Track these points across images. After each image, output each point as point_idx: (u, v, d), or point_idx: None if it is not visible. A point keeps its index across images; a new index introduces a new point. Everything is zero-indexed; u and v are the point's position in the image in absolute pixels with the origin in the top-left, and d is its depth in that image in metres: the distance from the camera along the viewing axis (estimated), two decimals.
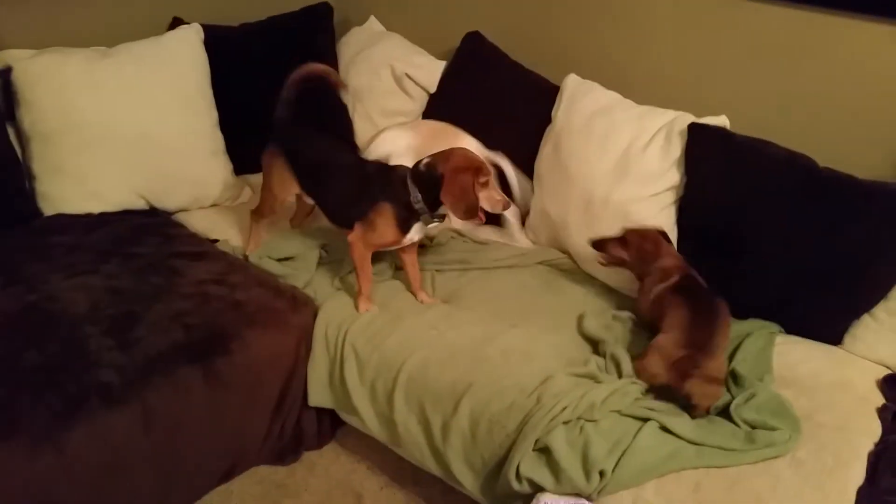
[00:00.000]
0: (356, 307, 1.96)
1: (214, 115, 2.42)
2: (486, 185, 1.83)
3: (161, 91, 2.28)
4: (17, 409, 1.52)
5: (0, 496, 1.44)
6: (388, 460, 2.05)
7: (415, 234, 1.92)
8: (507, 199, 1.88)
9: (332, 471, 2.06)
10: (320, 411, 2.05)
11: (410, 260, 2.02)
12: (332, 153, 2.03)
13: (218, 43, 2.46)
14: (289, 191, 2.08)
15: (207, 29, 2.45)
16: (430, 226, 1.92)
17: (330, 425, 2.12)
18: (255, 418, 1.90)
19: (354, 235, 1.91)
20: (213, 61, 2.43)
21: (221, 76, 2.46)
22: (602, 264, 1.99)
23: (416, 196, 1.83)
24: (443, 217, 1.91)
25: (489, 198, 1.84)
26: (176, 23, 2.51)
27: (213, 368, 1.75)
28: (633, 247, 1.91)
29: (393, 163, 2.08)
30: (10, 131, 2.19)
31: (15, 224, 2.15)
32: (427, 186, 1.81)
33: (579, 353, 1.83)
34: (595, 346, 1.87)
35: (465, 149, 1.89)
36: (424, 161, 1.84)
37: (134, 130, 2.24)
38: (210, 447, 1.82)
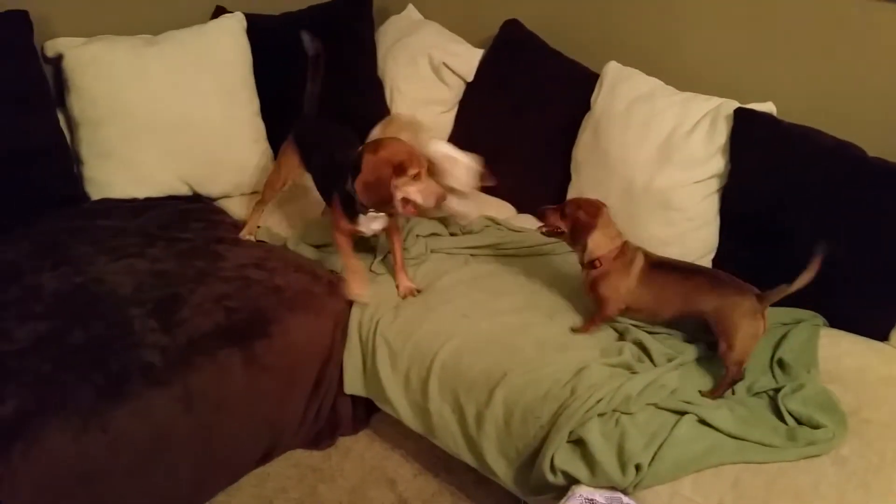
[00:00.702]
0: (347, 292, 1.90)
1: (256, 103, 2.43)
2: (417, 177, 1.74)
3: (204, 79, 2.29)
4: (63, 388, 1.54)
5: (46, 472, 1.46)
6: (422, 448, 2.03)
7: (366, 224, 1.84)
8: (444, 191, 1.79)
9: (366, 457, 2.06)
10: (356, 398, 2.04)
11: (391, 242, 1.96)
12: (336, 144, 1.96)
13: (259, 32, 2.46)
14: (295, 172, 2.09)
15: (249, 18, 2.45)
16: (371, 217, 1.83)
17: (365, 412, 2.11)
18: (292, 402, 1.90)
19: (332, 220, 1.90)
20: (254, 50, 2.43)
21: (263, 65, 2.46)
22: (542, 233, 1.88)
23: (350, 186, 1.74)
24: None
25: (422, 191, 1.75)
26: (219, 11, 2.51)
27: (253, 351, 1.75)
28: (569, 218, 1.77)
29: None
30: (61, 117, 2.22)
31: (63, 207, 2.18)
32: (356, 177, 1.73)
33: (613, 343, 1.79)
34: (620, 334, 1.82)
35: (398, 140, 1.78)
36: (360, 149, 1.77)
37: (178, 117, 2.26)
38: (249, 429, 1.82)
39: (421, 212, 1.83)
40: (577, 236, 1.77)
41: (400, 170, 1.71)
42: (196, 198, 2.36)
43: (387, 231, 1.93)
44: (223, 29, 2.38)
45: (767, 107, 1.95)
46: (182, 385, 1.64)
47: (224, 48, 2.35)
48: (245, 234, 2.15)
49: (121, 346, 1.66)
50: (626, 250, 1.76)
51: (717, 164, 1.97)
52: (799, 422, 1.52)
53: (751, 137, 1.91)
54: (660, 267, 1.75)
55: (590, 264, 1.77)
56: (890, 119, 1.91)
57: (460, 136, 2.60)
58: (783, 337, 1.75)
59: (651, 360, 1.71)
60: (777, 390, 1.61)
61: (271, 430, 1.89)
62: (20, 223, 2.06)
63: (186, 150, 2.29)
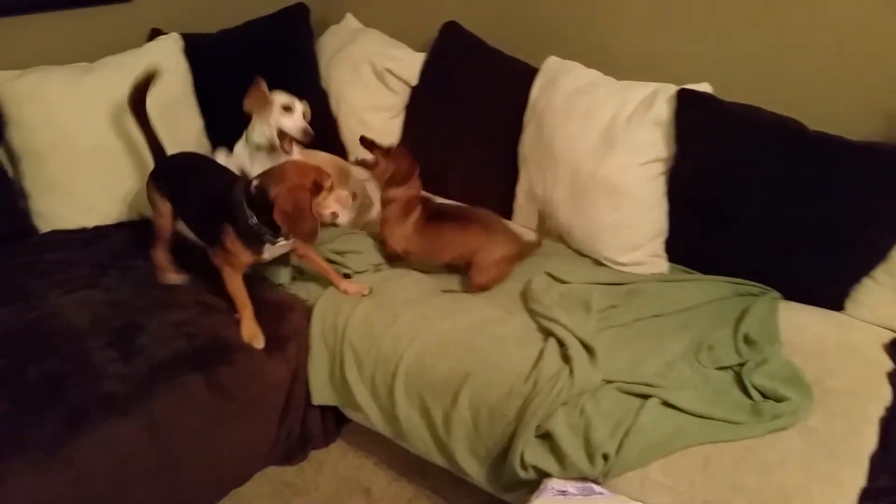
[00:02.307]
0: (246, 334, 1.77)
1: (200, 121, 2.35)
2: (331, 189, 1.68)
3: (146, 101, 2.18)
4: (22, 425, 1.47)
5: None
6: (396, 455, 1.97)
7: (270, 252, 1.76)
8: (353, 192, 1.75)
9: (340, 468, 1.98)
10: (324, 410, 1.97)
11: (309, 259, 1.89)
12: (205, 183, 1.84)
13: (198, 50, 2.38)
14: (169, 218, 1.92)
15: (186, 38, 2.38)
16: (278, 245, 1.75)
17: (335, 423, 2.04)
18: (263, 424, 1.83)
19: (218, 260, 1.77)
20: (194, 69, 2.36)
21: (204, 83, 2.38)
22: (355, 162, 1.96)
23: (252, 220, 1.65)
24: (287, 235, 1.73)
25: (338, 199, 1.70)
26: (154, 33, 2.42)
27: (217, 378, 1.68)
28: (393, 160, 1.88)
29: None
30: (2, 152, 2.12)
31: (11, 243, 2.08)
32: (262, 210, 1.63)
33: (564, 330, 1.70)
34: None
35: (296, 161, 1.73)
36: (255, 183, 1.65)
37: (121, 143, 2.17)
38: (219, 454, 1.74)
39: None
40: (393, 179, 1.89)
41: (317, 189, 1.65)
42: (146, 223, 2.25)
43: (294, 251, 1.87)
44: (160, 51, 2.29)
45: (704, 87, 1.92)
46: (145, 413, 1.57)
47: (162, 69, 2.23)
48: (171, 279, 1.94)
49: (80, 379, 1.59)
50: (412, 201, 1.91)
51: (660, 146, 1.93)
52: (765, 396, 1.48)
53: (693, 118, 1.87)
54: (437, 217, 1.92)
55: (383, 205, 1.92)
56: (828, 93, 1.88)
57: (411, 140, 2.54)
58: (744, 312, 1.71)
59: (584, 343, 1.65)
60: (742, 365, 1.57)
61: (243, 454, 1.81)
62: None
63: (132, 175, 2.20)
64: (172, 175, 1.91)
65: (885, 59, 1.79)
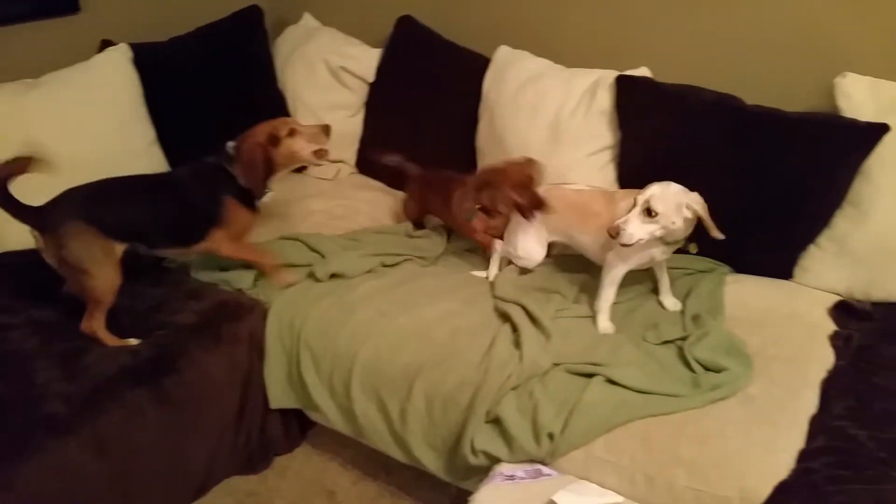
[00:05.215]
0: (278, 283, 2.00)
1: (151, 132, 2.43)
2: (294, 133, 1.91)
3: (93, 116, 2.30)
4: None
5: None
6: (361, 455, 2.06)
7: (263, 203, 2.01)
8: (325, 124, 1.96)
9: (304, 472, 2.08)
10: (286, 415, 2.06)
11: (234, 256, 2.01)
12: (133, 190, 1.90)
13: (149, 60, 2.47)
14: (115, 257, 1.81)
15: (137, 47, 2.46)
16: (266, 199, 1.99)
17: (298, 428, 2.13)
18: (217, 433, 1.90)
19: (216, 241, 1.93)
20: (145, 79, 2.45)
21: (156, 93, 2.47)
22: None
23: (242, 181, 1.90)
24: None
25: (310, 137, 1.92)
26: (105, 45, 2.51)
27: (162, 389, 1.75)
28: (507, 203, 1.89)
29: None
30: None
31: None
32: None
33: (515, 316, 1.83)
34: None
35: (261, 124, 1.94)
36: (231, 144, 1.91)
37: (70, 160, 2.12)
38: (174, 467, 1.82)
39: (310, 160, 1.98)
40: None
41: (274, 140, 1.89)
42: None
43: (217, 250, 1.98)
44: (107, 63, 2.39)
45: (642, 72, 2.04)
46: (90, 432, 1.62)
47: (110, 82, 2.36)
48: (115, 342, 1.82)
49: (21, 401, 1.63)
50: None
51: (606, 135, 2.05)
52: (707, 369, 1.60)
53: (634, 103, 2.00)
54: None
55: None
56: (762, 65, 2.01)
57: (372, 138, 2.67)
58: (690, 290, 1.83)
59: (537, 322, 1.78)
60: (685, 339, 1.69)
61: (200, 464, 1.88)
62: None
63: None
64: (112, 206, 1.82)
65: (816, 30, 1.92)
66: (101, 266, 1.77)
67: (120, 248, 1.83)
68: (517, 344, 1.72)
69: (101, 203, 1.82)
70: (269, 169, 1.92)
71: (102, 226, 1.78)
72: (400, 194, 2.44)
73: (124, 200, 1.86)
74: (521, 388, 1.62)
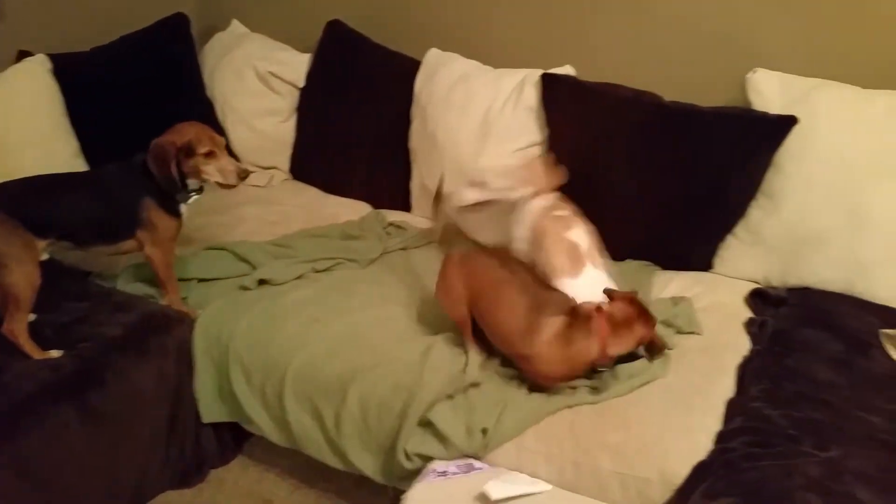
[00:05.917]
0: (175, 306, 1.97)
1: (73, 144, 2.41)
2: (211, 156, 1.86)
3: (10, 129, 2.27)
4: None
5: None
6: (298, 463, 2.07)
7: (185, 211, 1.95)
8: (244, 168, 1.91)
9: (241, 483, 2.08)
10: (220, 427, 2.05)
11: (152, 262, 1.95)
12: (58, 185, 1.88)
13: (69, 70, 2.45)
14: (36, 253, 1.76)
15: (57, 58, 2.44)
16: (190, 202, 1.93)
17: (233, 439, 2.12)
18: (148, 447, 1.89)
19: (141, 240, 1.89)
20: (66, 90, 2.43)
21: (79, 104, 2.45)
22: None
23: (160, 179, 1.84)
24: (200, 189, 1.92)
25: (221, 169, 1.87)
26: (22, 56, 2.49)
27: (87, 403, 1.72)
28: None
29: None
30: None
31: None
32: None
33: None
34: None
35: (191, 123, 1.90)
36: (155, 141, 1.86)
37: None
38: (103, 485, 1.80)
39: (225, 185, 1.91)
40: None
41: (188, 152, 1.83)
42: None
43: (141, 251, 1.94)
44: (24, 74, 2.36)
45: (566, 70, 2.13)
46: (10, 453, 1.59)
47: (28, 94, 2.33)
48: (39, 355, 1.77)
49: None
50: None
51: (533, 131, 2.13)
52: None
53: (558, 100, 2.08)
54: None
55: None
56: (678, 63, 2.12)
57: (305, 143, 2.69)
58: None
59: None
60: None
61: (131, 480, 1.87)
62: None
63: None
64: (36, 200, 1.81)
65: (731, 28, 2.03)
66: (20, 262, 1.71)
67: (42, 245, 1.79)
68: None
69: (24, 197, 1.79)
70: (182, 173, 1.87)
71: (25, 219, 1.74)
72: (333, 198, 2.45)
73: (49, 195, 1.83)
74: (456, 394, 1.66)
